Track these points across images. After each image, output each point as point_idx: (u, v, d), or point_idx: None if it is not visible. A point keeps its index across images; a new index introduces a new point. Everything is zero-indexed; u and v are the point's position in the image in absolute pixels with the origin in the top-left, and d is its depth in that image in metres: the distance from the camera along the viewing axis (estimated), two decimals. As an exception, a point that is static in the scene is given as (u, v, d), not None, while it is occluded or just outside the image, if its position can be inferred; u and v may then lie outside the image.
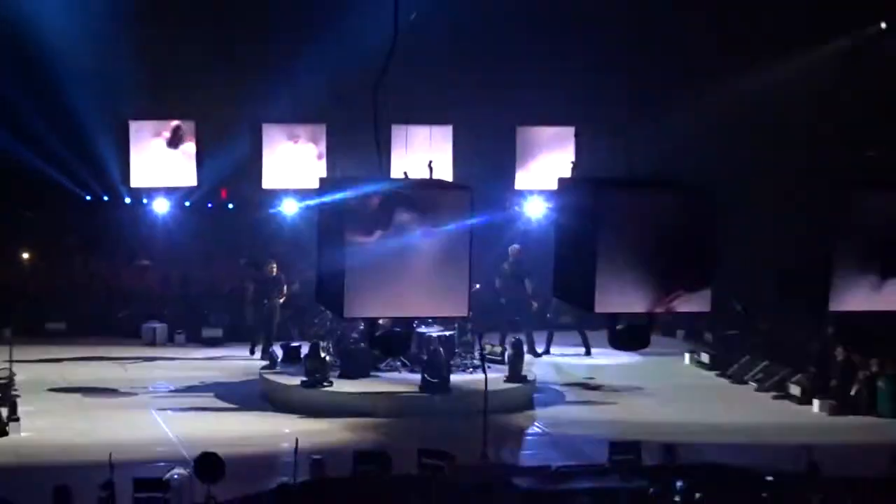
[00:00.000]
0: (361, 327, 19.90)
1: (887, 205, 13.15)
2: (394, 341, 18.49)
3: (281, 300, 23.76)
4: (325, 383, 21.17)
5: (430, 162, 21.36)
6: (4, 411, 19.18)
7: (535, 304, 25.24)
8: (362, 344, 21.15)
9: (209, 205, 25.83)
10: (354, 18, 22.62)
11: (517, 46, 25.94)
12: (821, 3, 25.31)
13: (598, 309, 13.15)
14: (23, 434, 19.04)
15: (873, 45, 25.08)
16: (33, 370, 21.39)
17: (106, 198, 25.93)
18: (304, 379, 21.26)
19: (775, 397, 22.62)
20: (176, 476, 15.43)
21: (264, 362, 22.62)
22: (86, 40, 24.42)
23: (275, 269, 24.16)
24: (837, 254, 12.92)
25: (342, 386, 21.23)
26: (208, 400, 21.70)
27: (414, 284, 13.64)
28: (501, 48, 25.93)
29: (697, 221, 12.75)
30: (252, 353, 23.56)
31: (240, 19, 25.92)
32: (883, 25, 25.01)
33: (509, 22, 25.73)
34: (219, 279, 27.56)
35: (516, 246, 24.28)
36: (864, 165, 22.07)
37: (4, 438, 18.79)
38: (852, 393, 21.67)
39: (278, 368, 22.31)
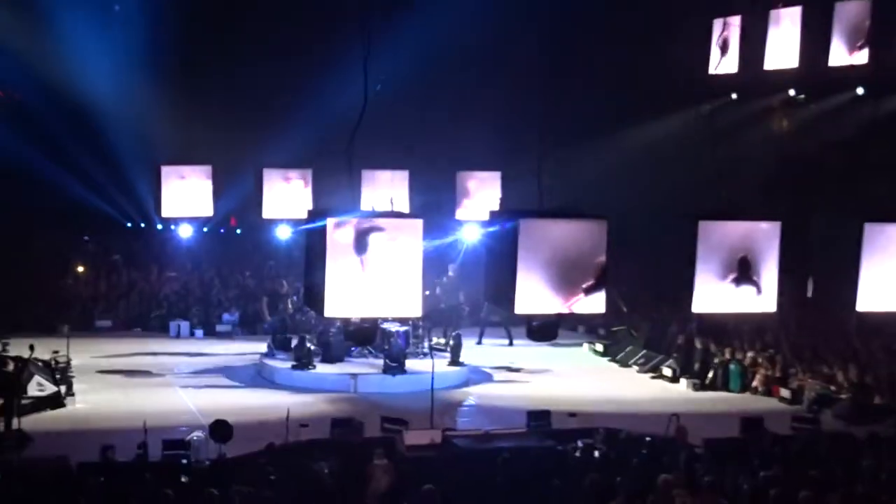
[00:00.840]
0: (338, 324, 19.91)
1: (736, 231, 13.26)
2: (363, 334, 18.47)
3: (289, 309, 23.72)
4: (310, 367, 21.16)
5: (392, 198, 21.35)
6: (63, 389, 19.09)
7: (466, 309, 25.40)
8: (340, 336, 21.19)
9: (221, 230, 25.74)
10: (335, 87, 22.60)
11: (458, 110, 26.07)
12: (684, 83, 25.58)
13: (518, 311, 13.19)
14: (77, 406, 19.00)
15: (724, 113, 25.40)
16: (85, 357, 21.24)
17: (142, 225, 25.81)
18: (294, 363, 21.25)
19: (652, 377, 22.75)
20: (195, 437, 15.40)
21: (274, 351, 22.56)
22: (129, 106, 24.41)
23: (285, 286, 24.23)
24: (701, 268, 13.04)
25: (323, 368, 21.24)
26: (220, 380, 21.63)
27: (378, 292, 13.61)
28: (447, 111, 26.04)
29: (593, 243, 12.83)
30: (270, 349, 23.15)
31: (247, 88, 25.94)
32: (734, 96, 25.24)
33: (453, 94, 25.88)
34: (229, 287, 27.45)
35: (453, 264, 24.41)
36: (719, 204, 22.27)
37: (63, 409, 18.71)
38: (710, 374, 21.85)
39: (274, 356, 22.27)
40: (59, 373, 19.36)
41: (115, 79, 24.41)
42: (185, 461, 14.36)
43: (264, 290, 23.94)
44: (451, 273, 24.74)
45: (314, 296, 14.40)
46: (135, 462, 14.29)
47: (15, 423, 17.00)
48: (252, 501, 11.89)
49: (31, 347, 19.42)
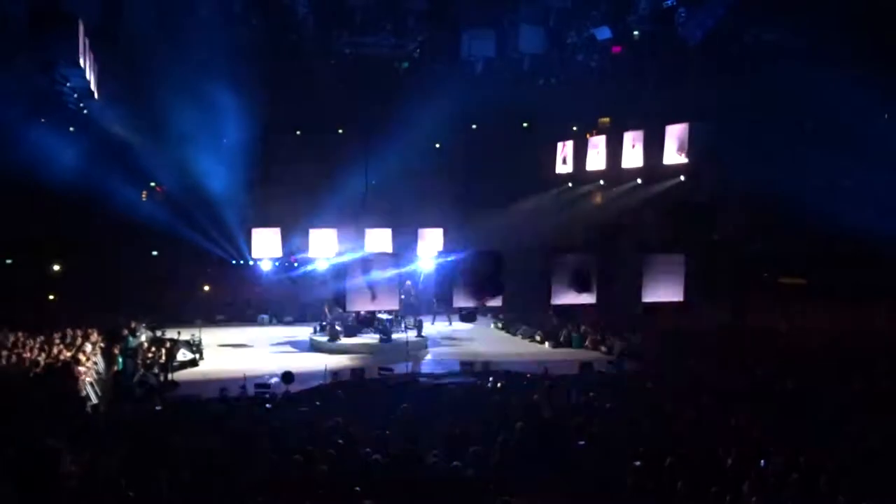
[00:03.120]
0: (354, 314, 19.87)
1: (576, 260, 13.37)
2: (367, 320, 18.26)
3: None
4: (338, 339, 21.06)
5: (382, 246, 21.44)
6: (197, 356, 18.94)
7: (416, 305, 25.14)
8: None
9: (286, 264, 25.55)
10: (350, 181, 22.68)
11: (419, 192, 26.20)
12: (544, 176, 25.84)
13: (455, 304, 13.20)
14: (205, 366, 18.79)
15: (565, 194, 25.65)
16: (210, 337, 21.01)
17: (241, 262, 25.60)
18: (329, 337, 21.15)
19: (530, 341, 22.82)
20: (273, 381, 15.31)
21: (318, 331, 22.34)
22: (234, 192, 24.31)
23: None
24: (555, 280, 13.15)
25: (346, 340, 21.15)
26: (287, 348, 21.52)
27: (375, 295, 13.58)
28: (413, 192, 26.12)
29: (493, 268, 12.92)
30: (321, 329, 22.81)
31: (300, 182, 25.91)
32: (570, 184, 25.52)
33: (417, 182, 26.01)
34: (291, 297, 27.22)
35: (408, 281, 24.16)
36: (565, 244, 22.48)
37: (197, 367, 18.59)
38: (561, 339, 21.98)
39: (317, 332, 22.14)
40: (195, 346, 19.22)
41: (226, 177, 24.30)
42: (267, 395, 14.30)
43: (325, 300, 23.72)
44: (406, 285, 24.55)
45: (340, 298, 14.48)
46: (238, 396, 14.20)
47: (170, 376, 16.84)
48: (305, 415, 11.85)
49: (178, 332, 19.37)
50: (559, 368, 16.68)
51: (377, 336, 21.04)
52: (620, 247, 20.81)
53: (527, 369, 16.78)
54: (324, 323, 22.11)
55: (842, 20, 15.67)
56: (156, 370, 17.03)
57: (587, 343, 21.49)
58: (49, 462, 3.72)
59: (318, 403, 13.27)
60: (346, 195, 24.51)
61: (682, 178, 20.80)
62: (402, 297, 20.12)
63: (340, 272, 15.77)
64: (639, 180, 22.39)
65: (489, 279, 13.18)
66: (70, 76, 14.78)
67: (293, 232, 24.62)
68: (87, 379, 14.96)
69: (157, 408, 12.92)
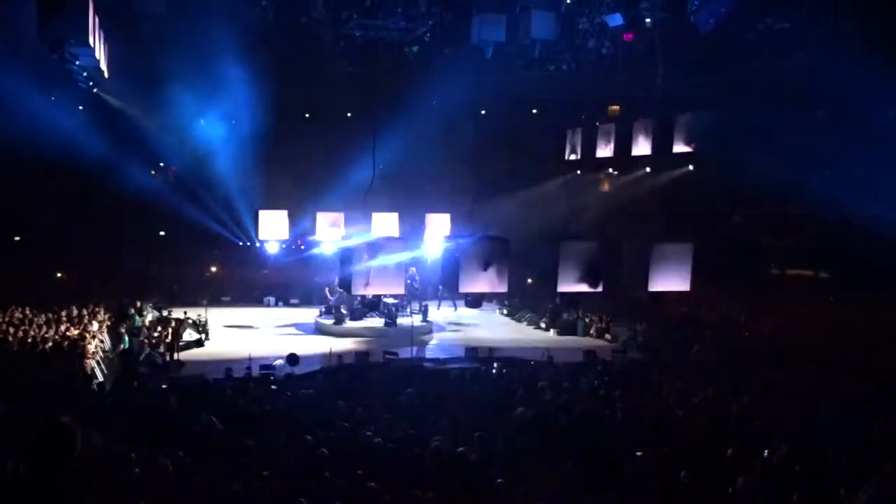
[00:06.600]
0: (360, 298, 19.86)
1: (583, 248, 13.30)
2: (373, 304, 18.23)
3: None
4: (343, 322, 21.09)
5: (388, 230, 21.35)
6: (203, 336, 18.97)
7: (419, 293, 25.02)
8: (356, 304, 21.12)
9: (292, 247, 25.53)
10: (357, 165, 22.61)
11: (425, 177, 26.11)
12: (552, 163, 25.68)
13: (461, 290, 13.17)
14: (211, 346, 18.83)
15: (573, 181, 25.52)
16: (215, 317, 21.03)
17: (248, 243, 25.61)
18: (335, 320, 21.16)
19: (535, 328, 22.83)
20: (278, 363, 15.35)
21: (323, 314, 22.34)
22: (242, 174, 24.29)
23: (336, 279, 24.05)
24: (561, 267, 13.09)
25: (351, 324, 21.18)
26: (292, 330, 21.55)
27: (381, 279, 13.54)
28: (419, 178, 26.06)
29: (500, 253, 12.86)
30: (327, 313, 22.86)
31: (309, 164, 25.89)
32: (578, 171, 25.38)
33: (422, 168, 25.92)
34: (297, 279, 27.24)
35: (413, 267, 24.04)
36: (572, 231, 22.42)
37: (202, 348, 18.62)
38: (569, 325, 21.93)
39: (322, 315, 22.14)
40: (201, 327, 19.27)
41: (234, 158, 24.30)
42: (272, 377, 14.34)
43: (326, 283, 23.72)
44: (411, 271, 24.45)
45: (346, 281, 14.47)
46: (244, 377, 14.25)
47: (176, 356, 16.90)
48: (310, 397, 11.88)
49: (185, 312, 19.38)
50: (563, 356, 16.65)
51: (382, 320, 21.04)
52: (627, 235, 20.73)
53: (531, 356, 16.77)
54: (329, 305, 22.14)
55: (854, 9, 15.49)
56: (161, 349, 17.09)
57: (592, 331, 21.47)
58: (65, 440, 3.71)
59: (322, 386, 13.30)
60: (353, 178, 24.47)
61: (691, 167, 20.66)
62: (408, 281, 20.13)
63: (347, 255, 15.77)
64: (647, 169, 22.24)
65: (493, 265, 13.11)
66: (80, 55, 14.70)
67: (300, 213, 24.65)
68: (95, 357, 15.02)
69: (163, 387, 12.95)
